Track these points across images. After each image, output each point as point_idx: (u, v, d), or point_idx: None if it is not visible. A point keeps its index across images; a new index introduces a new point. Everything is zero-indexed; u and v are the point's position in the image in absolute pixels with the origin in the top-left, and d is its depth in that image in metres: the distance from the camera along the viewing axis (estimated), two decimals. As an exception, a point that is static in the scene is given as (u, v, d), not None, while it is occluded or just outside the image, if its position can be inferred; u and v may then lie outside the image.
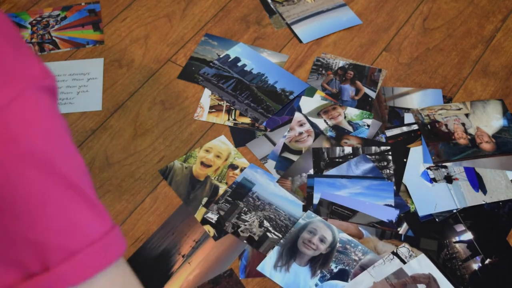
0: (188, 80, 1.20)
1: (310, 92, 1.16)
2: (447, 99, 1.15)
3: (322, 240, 0.95)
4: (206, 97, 1.17)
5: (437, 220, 0.98)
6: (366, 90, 1.17)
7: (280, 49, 1.24)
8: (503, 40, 1.25)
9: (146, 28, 1.30)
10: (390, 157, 1.05)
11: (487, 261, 0.93)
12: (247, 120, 1.13)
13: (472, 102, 1.13)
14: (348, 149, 1.06)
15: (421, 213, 0.98)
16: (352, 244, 0.95)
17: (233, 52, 1.23)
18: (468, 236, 0.96)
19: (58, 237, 0.49)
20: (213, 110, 1.15)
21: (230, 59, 1.22)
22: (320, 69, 1.20)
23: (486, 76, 1.19)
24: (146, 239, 0.98)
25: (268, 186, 1.03)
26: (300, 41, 1.26)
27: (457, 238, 0.96)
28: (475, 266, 0.93)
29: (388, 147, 1.06)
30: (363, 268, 0.92)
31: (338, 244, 0.95)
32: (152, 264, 0.95)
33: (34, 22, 1.31)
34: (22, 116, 0.46)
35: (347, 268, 0.92)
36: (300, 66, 1.21)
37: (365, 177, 1.02)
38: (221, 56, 1.23)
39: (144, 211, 1.01)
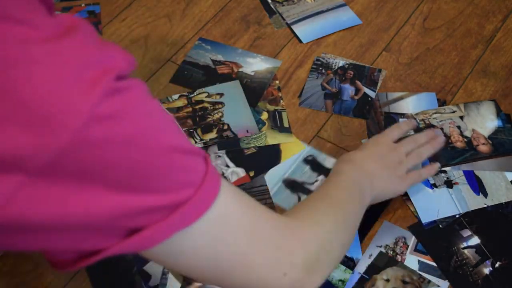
0: (180, 85, 1.19)
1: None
2: (441, 102, 1.14)
3: None
4: None
5: (440, 226, 0.96)
6: (366, 90, 1.17)
7: (280, 49, 1.24)
8: (503, 40, 1.25)
9: (146, 28, 1.30)
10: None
11: (497, 265, 0.92)
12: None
13: (465, 104, 1.13)
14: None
15: (424, 220, 0.97)
16: None
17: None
18: (475, 240, 0.95)
19: (175, 183, 0.54)
20: None
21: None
22: (320, 68, 1.21)
23: (486, 76, 1.19)
24: (146, 240, 0.98)
25: None
26: (300, 41, 1.26)
27: (464, 244, 0.94)
28: (486, 270, 0.91)
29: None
30: None
31: None
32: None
33: (34, 22, 1.31)
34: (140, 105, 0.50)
35: None
36: (300, 66, 1.22)
37: None
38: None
39: (144, 212, 1.01)
